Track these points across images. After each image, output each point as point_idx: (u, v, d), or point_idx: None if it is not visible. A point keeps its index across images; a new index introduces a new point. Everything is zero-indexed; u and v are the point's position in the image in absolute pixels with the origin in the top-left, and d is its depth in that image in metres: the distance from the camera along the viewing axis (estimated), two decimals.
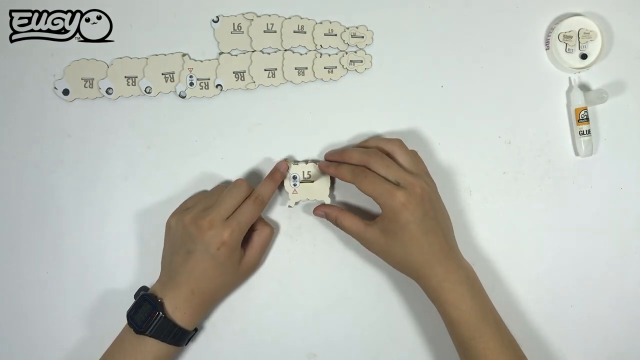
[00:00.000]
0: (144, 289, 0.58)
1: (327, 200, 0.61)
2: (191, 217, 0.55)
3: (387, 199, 0.53)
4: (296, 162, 0.61)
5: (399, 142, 0.57)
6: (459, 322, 0.54)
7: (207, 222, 0.54)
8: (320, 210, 0.59)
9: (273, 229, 0.60)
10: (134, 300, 0.55)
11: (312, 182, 0.60)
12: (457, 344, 0.55)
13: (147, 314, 0.53)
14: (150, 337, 0.53)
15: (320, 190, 0.60)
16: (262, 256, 0.60)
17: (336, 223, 0.58)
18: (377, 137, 0.61)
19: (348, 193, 0.62)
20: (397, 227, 0.54)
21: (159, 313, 0.53)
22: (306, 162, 0.61)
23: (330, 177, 0.61)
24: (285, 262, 0.62)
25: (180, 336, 0.55)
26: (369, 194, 0.54)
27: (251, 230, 0.58)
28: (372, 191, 0.54)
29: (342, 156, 0.58)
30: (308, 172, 0.60)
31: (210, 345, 0.61)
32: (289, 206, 0.60)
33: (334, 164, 0.58)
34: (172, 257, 0.56)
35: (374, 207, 0.61)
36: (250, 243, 0.58)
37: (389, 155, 0.57)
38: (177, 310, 0.54)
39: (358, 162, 0.56)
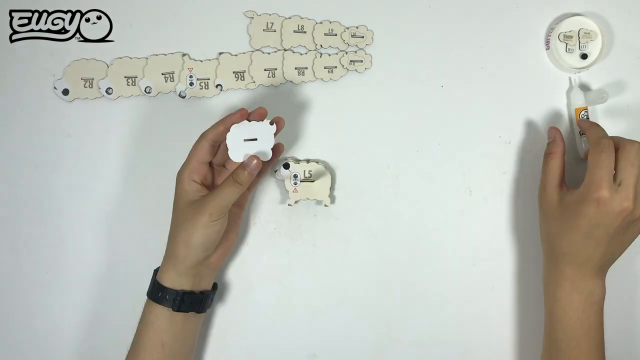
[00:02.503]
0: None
1: (327, 201, 0.61)
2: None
3: (593, 183, 0.51)
4: (297, 161, 0.61)
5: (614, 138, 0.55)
6: (560, 322, 0.54)
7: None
8: (552, 132, 0.59)
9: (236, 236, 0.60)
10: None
11: (313, 181, 0.60)
12: (550, 344, 0.55)
13: (152, 280, 0.57)
14: (148, 298, 0.55)
15: (320, 190, 0.60)
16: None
17: (546, 157, 0.57)
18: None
19: (348, 196, 0.62)
20: (578, 210, 0.52)
21: (153, 274, 0.57)
22: (307, 161, 0.61)
23: (331, 177, 0.61)
24: (285, 262, 0.62)
25: (156, 294, 0.55)
26: (590, 165, 0.52)
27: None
28: (591, 167, 0.52)
29: (600, 128, 0.56)
30: (309, 171, 0.60)
31: (210, 345, 0.61)
32: (289, 205, 0.60)
33: (592, 123, 0.57)
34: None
35: None
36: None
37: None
38: (161, 271, 0.55)
39: (614, 139, 0.54)
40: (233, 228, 0.59)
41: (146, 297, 0.56)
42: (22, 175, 0.62)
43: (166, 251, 0.56)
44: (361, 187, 0.62)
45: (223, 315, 0.61)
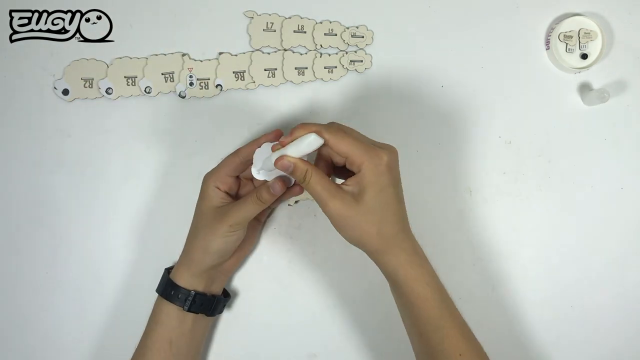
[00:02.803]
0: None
1: None
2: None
3: (372, 157, 0.48)
4: None
5: (336, 122, 0.52)
6: (426, 299, 0.50)
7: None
8: (287, 162, 0.49)
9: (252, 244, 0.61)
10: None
11: None
12: (420, 326, 0.51)
13: (164, 277, 0.57)
14: (160, 296, 0.56)
15: None
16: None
17: (303, 179, 0.49)
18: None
19: None
20: (375, 190, 0.48)
21: (165, 272, 0.58)
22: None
23: (330, 175, 0.60)
24: (285, 262, 0.62)
25: (166, 290, 0.55)
26: (346, 152, 0.48)
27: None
28: (354, 148, 0.48)
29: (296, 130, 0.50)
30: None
31: (211, 345, 0.61)
32: (289, 205, 0.60)
33: (300, 124, 0.50)
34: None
35: None
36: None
37: None
38: (176, 270, 0.56)
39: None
40: (250, 238, 0.59)
41: (156, 295, 0.56)
42: (22, 175, 0.62)
43: (183, 252, 0.57)
44: None
45: (223, 315, 0.61)
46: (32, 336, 0.61)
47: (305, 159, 0.50)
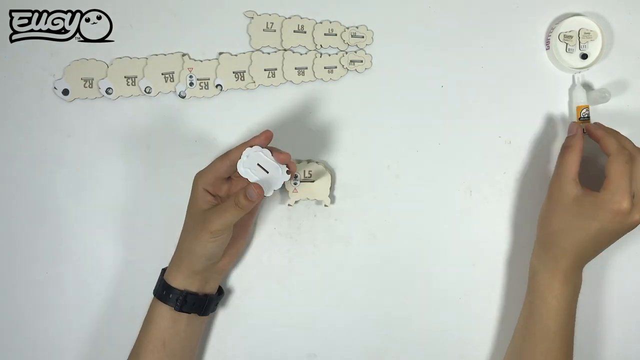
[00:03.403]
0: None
1: (327, 201, 0.60)
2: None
3: (614, 194, 0.52)
4: (297, 161, 0.61)
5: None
6: (549, 310, 0.55)
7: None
8: (574, 127, 0.58)
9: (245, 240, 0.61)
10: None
11: (313, 181, 0.60)
12: (540, 333, 0.55)
13: (159, 279, 0.57)
14: (155, 297, 0.56)
15: (320, 190, 0.60)
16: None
17: (567, 148, 0.56)
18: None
19: (348, 196, 0.62)
20: (593, 215, 0.53)
21: (161, 272, 0.57)
22: (307, 161, 0.61)
23: (331, 177, 0.61)
24: (285, 262, 0.62)
25: (164, 294, 0.55)
26: (610, 175, 0.53)
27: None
28: (615, 176, 0.53)
29: (615, 134, 0.57)
30: (309, 171, 0.60)
31: (211, 345, 0.61)
32: (289, 205, 0.60)
33: (606, 129, 0.57)
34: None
35: None
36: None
37: None
38: (169, 272, 0.56)
39: (628, 147, 0.55)
40: (241, 235, 0.59)
41: (152, 296, 0.56)
42: (22, 175, 0.62)
43: (175, 252, 0.57)
44: (361, 187, 0.62)
45: (223, 315, 0.61)
46: (32, 336, 0.61)
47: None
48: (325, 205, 0.61)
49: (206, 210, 0.54)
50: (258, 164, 0.53)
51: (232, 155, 0.54)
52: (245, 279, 0.62)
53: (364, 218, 0.62)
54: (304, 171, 0.60)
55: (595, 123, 0.59)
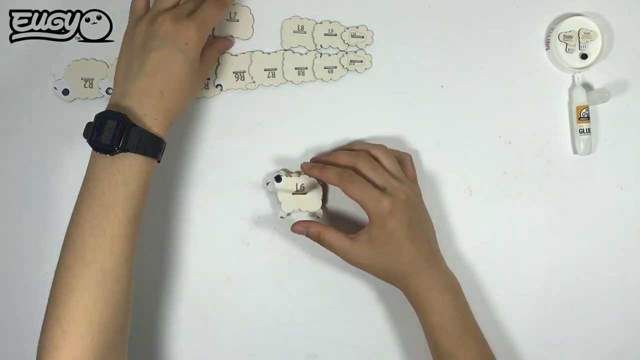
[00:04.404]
0: (98, 116, 0.50)
1: (320, 213, 0.60)
2: (152, 15, 0.52)
3: (374, 206, 0.53)
4: (289, 173, 0.60)
5: (383, 148, 0.58)
6: (442, 330, 0.53)
7: (170, 18, 0.51)
8: (301, 227, 0.56)
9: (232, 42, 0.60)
10: (90, 125, 0.50)
11: (305, 194, 0.60)
12: (437, 354, 0.55)
13: (113, 130, 0.47)
14: (125, 151, 0.48)
15: (312, 202, 0.60)
16: (217, 58, 0.59)
17: (319, 239, 0.56)
18: (362, 142, 0.61)
19: (341, 202, 0.62)
20: (384, 235, 0.53)
21: (126, 124, 0.48)
22: (299, 174, 0.60)
23: (323, 189, 0.60)
24: (285, 262, 0.62)
25: (156, 146, 0.50)
26: (355, 199, 0.54)
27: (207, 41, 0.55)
28: (359, 197, 0.53)
29: (328, 158, 0.58)
30: (301, 184, 0.60)
31: (210, 345, 0.61)
32: (281, 217, 0.60)
33: (319, 165, 0.57)
34: (130, 62, 0.51)
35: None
36: (209, 44, 0.57)
37: (375, 159, 0.57)
38: (145, 117, 0.49)
39: (345, 163, 0.56)
40: (204, 71, 0.57)
41: (104, 156, 0.49)
42: (22, 175, 0.62)
43: (149, 102, 0.50)
44: None
45: (223, 315, 0.61)
46: (32, 336, 0.61)
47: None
48: (318, 218, 0.60)
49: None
50: None
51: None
52: (245, 279, 0.62)
53: (364, 218, 0.62)
54: (297, 184, 0.60)
55: (303, 164, 0.58)
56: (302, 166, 0.57)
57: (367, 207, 0.53)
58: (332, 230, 0.55)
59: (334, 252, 0.56)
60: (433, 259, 0.55)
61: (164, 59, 0.50)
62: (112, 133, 0.48)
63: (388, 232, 0.53)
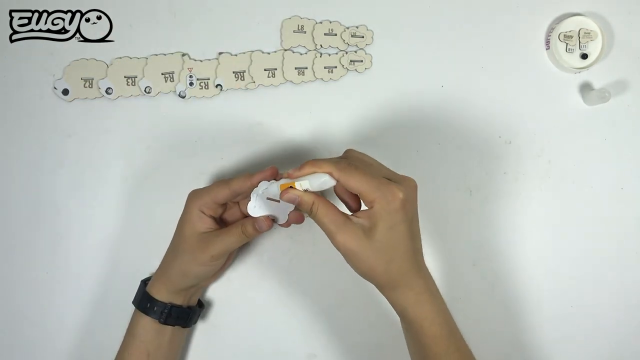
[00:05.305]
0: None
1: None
2: None
3: (384, 194, 0.46)
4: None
5: (352, 149, 0.52)
6: (434, 337, 0.49)
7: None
8: (293, 194, 0.49)
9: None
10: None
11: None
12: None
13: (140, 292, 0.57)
14: (137, 309, 0.56)
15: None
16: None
17: (311, 211, 0.49)
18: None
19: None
20: (386, 226, 0.47)
21: (141, 284, 0.57)
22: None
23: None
24: (285, 262, 0.62)
25: (161, 309, 0.54)
26: (358, 189, 0.47)
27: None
28: (365, 184, 0.47)
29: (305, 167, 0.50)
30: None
31: (211, 346, 0.61)
32: (280, 224, 0.60)
33: (310, 161, 0.49)
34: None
35: None
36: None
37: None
38: (153, 285, 0.56)
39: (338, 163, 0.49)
40: (230, 255, 0.59)
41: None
42: (22, 175, 0.62)
43: (160, 268, 0.56)
44: None
45: (223, 315, 0.61)
46: (31, 336, 0.61)
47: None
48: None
49: (205, 233, 0.54)
50: (267, 198, 0.52)
51: (233, 185, 0.53)
52: (245, 278, 0.62)
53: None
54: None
55: (291, 172, 0.50)
56: (290, 175, 0.50)
57: (374, 196, 0.47)
58: (328, 204, 0.49)
59: (322, 228, 0.49)
60: (423, 261, 0.51)
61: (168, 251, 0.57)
62: (139, 294, 0.58)
63: (391, 224, 0.47)
